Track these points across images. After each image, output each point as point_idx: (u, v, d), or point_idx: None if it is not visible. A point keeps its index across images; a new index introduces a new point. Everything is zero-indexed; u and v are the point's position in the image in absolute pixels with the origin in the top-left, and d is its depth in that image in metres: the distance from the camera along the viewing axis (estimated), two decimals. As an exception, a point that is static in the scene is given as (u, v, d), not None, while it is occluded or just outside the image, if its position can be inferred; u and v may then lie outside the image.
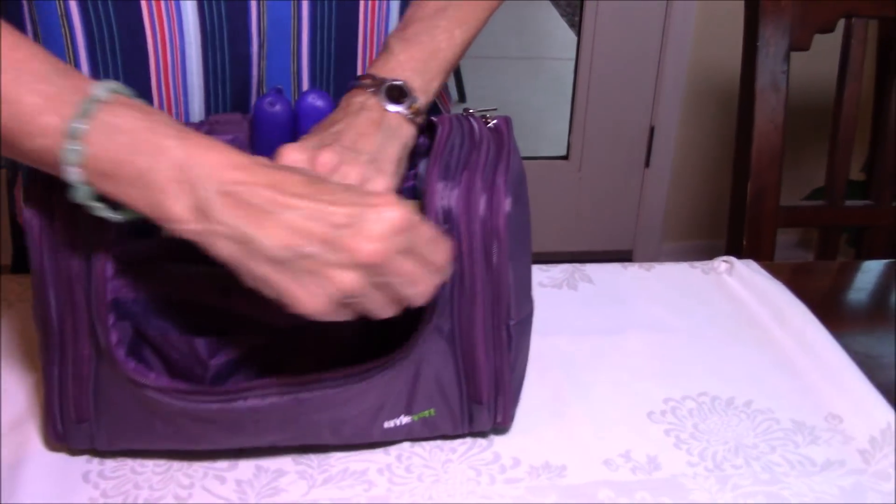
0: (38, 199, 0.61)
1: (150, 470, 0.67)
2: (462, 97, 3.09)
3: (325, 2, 0.76)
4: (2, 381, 0.75)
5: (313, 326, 0.65)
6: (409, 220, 0.55)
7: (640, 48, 2.26)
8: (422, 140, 0.70)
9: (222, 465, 0.68)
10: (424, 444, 0.70)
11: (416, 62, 0.71)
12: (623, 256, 2.47)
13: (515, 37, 3.72)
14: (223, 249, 0.54)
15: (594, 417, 0.74)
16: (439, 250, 0.57)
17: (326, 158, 0.61)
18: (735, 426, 0.74)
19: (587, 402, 0.76)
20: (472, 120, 0.69)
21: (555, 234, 2.46)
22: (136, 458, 0.68)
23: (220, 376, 0.65)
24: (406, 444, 0.70)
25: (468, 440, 0.71)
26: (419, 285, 0.57)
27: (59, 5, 0.71)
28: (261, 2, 0.74)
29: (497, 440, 0.71)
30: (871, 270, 1.02)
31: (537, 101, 3.18)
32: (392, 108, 0.67)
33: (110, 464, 0.68)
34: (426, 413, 0.67)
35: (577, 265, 0.93)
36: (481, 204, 0.62)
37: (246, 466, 0.68)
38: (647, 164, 2.40)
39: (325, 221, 0.53)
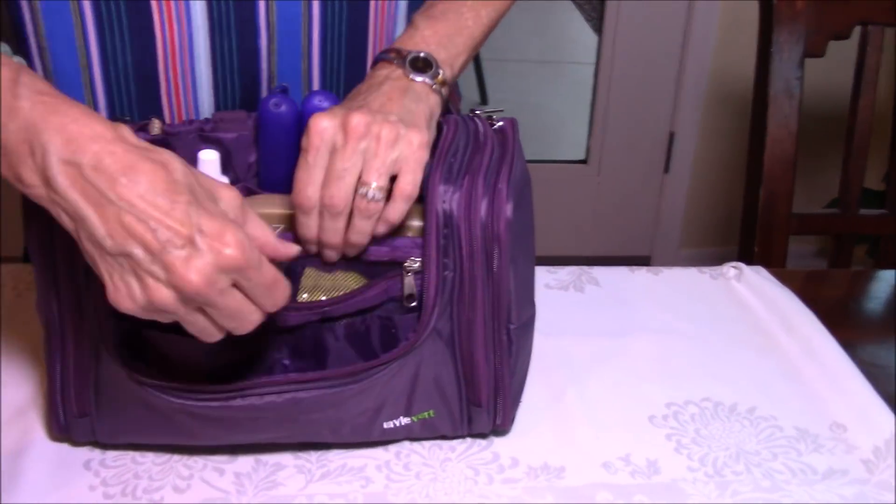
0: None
1: (150, 461, 0.68)
2: (484, 100, 3.09)
3: (336, 1, 0.76)
4: (9, 370, 0.76)
5: (312, 329, 0.66)
6: (244, 261, 0.53)
7: (661, 53, 2.26)
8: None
9: (222, 457, 0.68)
10: (424, 442, 0.71)
11: (441, 37, 0.72)
12: (641, 262, 2.45)
13: (538, 40, 3.72)
14: (64, 220, 0.54)
15: (595, 420, 0.74)
16: (275, 295, 0.56)
17: (357, 120, 0.61)
18: (737, 432, 0.74)
19: (588, 404, 0.75)
20: (477, 121, 0.69)
21: (572, 238, 2.46)
22: (137, 448, 0.69)
23: (218, 376, 0.65)
24: (405, 442, 0.70)
25: (468, 440, 0.71)
26: (239, 321, 0.56)
27: (73, 4, 0.72)
28: (269, 1, 0.74)
29: (496, 440, 0.71)
30: (884, 280, 1.02)
31: (558, 104, 3.17)
32: (417, 77, 0.68)
33: (112, 453, 0.68)
34: (425, 414, 0.67)
35: (585, 268, 0.93)
36: (482, 208, 0.62)
37: (245, 460, 0.68)
38: (666, 169, 2.39)
39: (158, 234, 0.52)
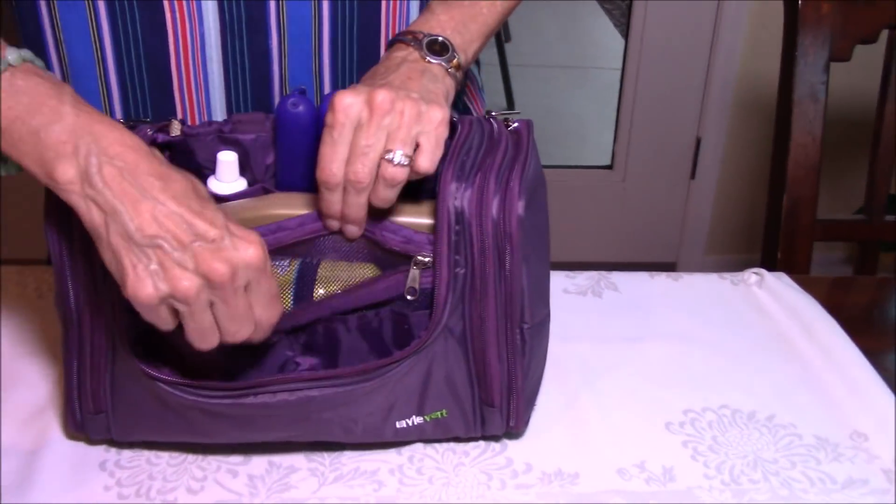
0: (56, 197, 0.62)
1: (165, 462, 0.68)
2: (510, 105, 3.09)
3: (346, 2, 0.77)
4: (29, 370, 0.77)
5: (324, 325, 0.66)
6: (263, 263, 0.58)
7: (688, 57, 2.24)
8: None
9: (236, 459, 0.69)
10: (437, 445, 0.70)
11: (457, 23, 0.73)
12: (666, 268, 2.43)
13: (565, 45, 3.71)
14: (93, 216, 0.56)
15: (610, 426, 0.73)
16: (271, 310, 0.60)
17: (381, 97, 0.62)
18: (755, 440, 0.73)
19: (604, 409, 0.75)
20: (493, 122, 0.69)
21: (597, 244, 2.44)
22: (152, 449, 0.69)
23: (231, 373, 0.65)
24: (419, 445, 0.70)
25: (481, 444, 0.71)
26: (239, 325, 0.59)
27: (88, 3, 0.73)
28: (280, 1, 0.75)
29: (511, 445, 0.71)
30: (909, 287, 1.00)
31: (584, 109, 3.16)
32: (433, 59, 0.69)
33: (127, 454, 0.69)
34: (438, 414, 0.67)
35: (604, 273, 0.93)
36: (494, 205, 0.62)
37: (259, 461, 0.68)
38: (692, 175, 2.37)
39: (190, 229, 0.56)
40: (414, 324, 0.65)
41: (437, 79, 0.68)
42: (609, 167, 2.40)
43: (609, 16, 4.03)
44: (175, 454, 0.69)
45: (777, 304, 0.89)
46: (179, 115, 0.78)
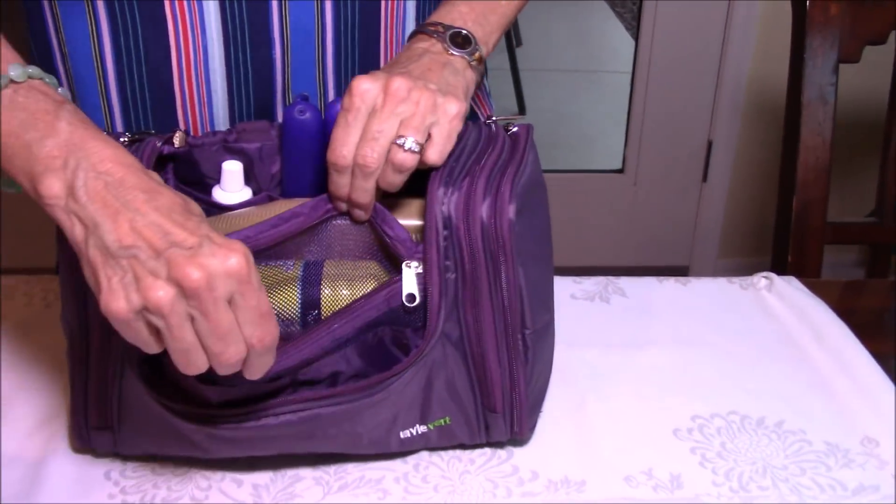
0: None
1: (170, 471, 0.68)
2: (521, 109, 3.08)
3: (349, 3, 0.77)
4: (35, 379, 0.77)
5: (323, 367, 0.65)
6: (247, 273, 0.53)
7: (698, 60, 2.23)
8: None
9: (241, 469, 0.68)
10: (443, 453, 0.70)
11: (477, 14, 0.73)
12: (678, 272, 2.43)
13: (576, 49, 3.70)
14: (75, 232, 0.55)
15: (618, 433, 0.73)
16: (264, 328, 0.55)
17: (398, 84, 0.63)
18: (764, 446, 0.72)
19: (612, 416, 0.74)
20: (492, 126, 0.69)
21: (609, 249, 2.43)
22: (157, 459, 0.69)
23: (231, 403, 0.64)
24: (425, 454, 0.70)
25: (487, 451, 0.70)
26: (225, 345, 0.54)
27: (88, 6, 0.73)
28: (283, 3, 0.75)
29: (517, 452, 0.70)
30: (922, 290, 0.99)
31: (595, 113, 3.15)
32: (456, 52, 0.70)
33: (132, 464, 0.69)
34: (441, 421, 0.67)
35: (611, 278, 0.92)
36: (484, 209, 0.62)
37: (263, 470, 0.68)
38: (704, 178, 2.36)
39: (167, 238, 0.53)
40: (411, 338, 0.65)
41: (458, 72, 0.69)
42: (620, 171, 2.39)
43: (620, 19, 4.02)
44: (180, 463, 0.69)
45: (787, 308, 0.88)
46: (182, 128, 0.78)
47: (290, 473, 0.68)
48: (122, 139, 0.65)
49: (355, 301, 0.64)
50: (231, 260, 0.53)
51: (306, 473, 0.68)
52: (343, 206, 0.65)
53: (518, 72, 2.99)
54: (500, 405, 0.67)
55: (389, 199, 0.67)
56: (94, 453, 0.69)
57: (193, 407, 0.62)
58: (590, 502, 0.67)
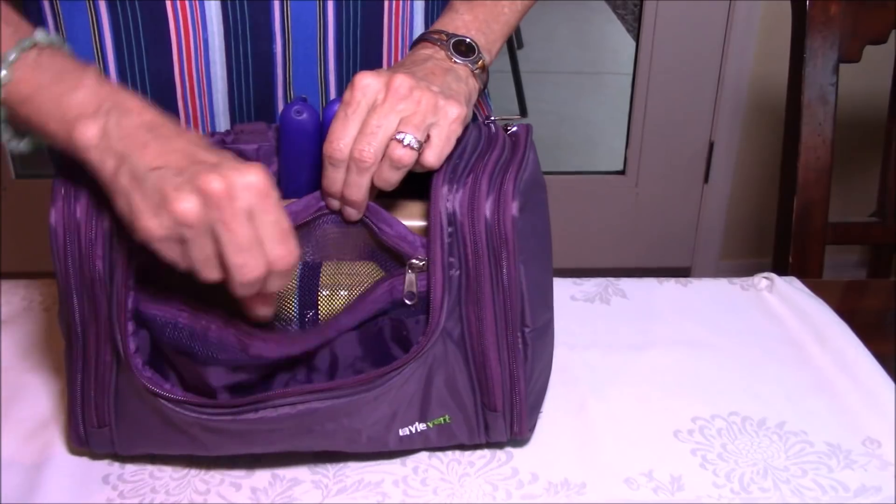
0: (62, 206, 0.62)
1: (168, 475, 0.68)
2: (523, 111, 3.08)
3: (350, 7, 0.76)
4: (33, 383, 0.77)
5: (322, 351, 0.65)
6: (266, 188, 0.55)
7: (699, 61, 2.23)
8: None
9: (239, 472, 0.68)
10: (442, 457, 0.70)
11: (481, 22, 0.73)
12: (680, 274, 2.42)
13: (577, 51, 3.70)
14: (107, 165, 0.57)
15: (618, 434, 0.72)
16: (284, 246, 0.56)
17: (400, 81, 0.63)
18: (766, 448, 0.72)
19: (611, 418, 0.74)
20: (492, 126, 0.69)
21: (610, 250, 2.43)
22: (155, 463, 0.69)
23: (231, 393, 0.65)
24: (424, 457, 0.70)
25: (487, 454, 0.70)
26: (247, 257, 0.55)
27: (90, 10, 0.73)
28: (284, 2, 0.75)
29: (517, 455, 0.70)
30: (924, 290, 0.99)
31: (597, 115, 3.15)
32: (459, 60, 0.70)
33: (130, 467, 0.69)
34: (441, 420, 0.67)
35: (612, 279, 0.92)
36: (487, 207, 0.62)
37: (262, 474, 0.68)
38: (706, 179, 2.36)
39: (192, 157, 0.56)
40: (412, 330, 0.65)
41: (461, 79, 0.68)
42: (622, 173, 2.39)
43: (622, 21, 4.02)
44: (178, 468, 0.68)
45: (788, 308, 0.88)
46: (182, 121, 0.78)
47: (289, 477, 0.68)
48: None
49: (358, 298, 0.64)
50: (251, 174, 0.55)
51: (305, 476, 0.68)
52: (335, 204, 0.65)
53: (519, 74, 2.99)
54: (499, 404, 0.66)
55: (387, 201, 0.66)
56: (92, 455, 0.69)
57: (192, 396, 0.62)
58: (590, 504, 0.66)
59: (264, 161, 0.69)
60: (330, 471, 0.68)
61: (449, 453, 0.70)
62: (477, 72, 0.70)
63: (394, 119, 0.62)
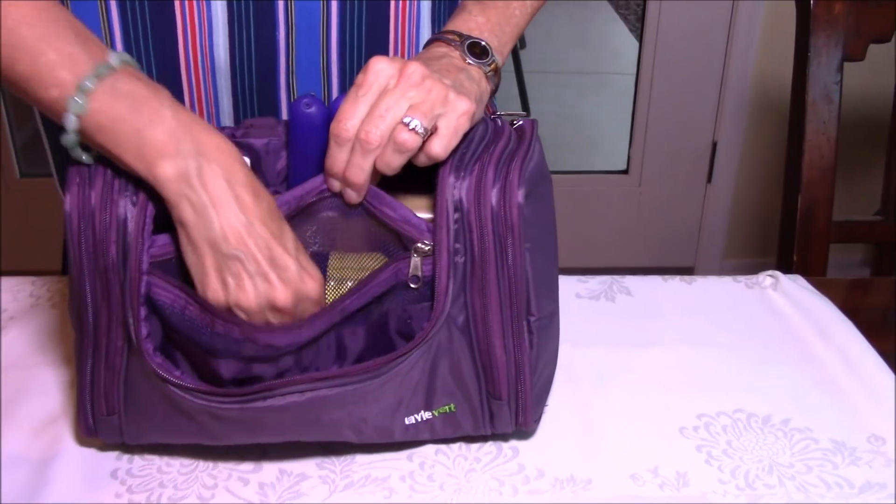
0: (77, 192, 0.63)
1: (176, 470, 0.68)
2: (525, 111, 3.09)
3: (355, 1, 0.77)
4: (42, 379, 0.77)
5: (334, 334, 0.66)
6: (319, 297, 0.64)
7: (702, 60, 2.23)
8: None
9: (247, 467, 0.69)
10: (449, 452, 0.70)
11: (493, 25, 0.74)
12: (684, 273, 2.42)
13: (580, 51, 3.70)
14: (186, 213, 0.61)
15: (623, 431, 0.73)
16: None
17: (413, 69, 0.63)
18: (771, 444, 0.72)
19: (617, 414, 0.74)
20: (498, 120, 0.69)
21: (614, 250, 2.43)
22: (163, 456, 0.69)
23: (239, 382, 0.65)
24: (430, 452, 0.70)
25: (493, 450, 0.70)
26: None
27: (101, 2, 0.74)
28: (288, 2, 0.75)
29: (522, 451, 0.70)
30: (928, 289, 0.99)
31: (600, 115, 3.15)
32: (473, 61, 0.70)
33: (138, 462, 0.69)
34: (446, 408, 0.67)
35: (616, 277, 0.92)
36: (493, 195, 0.63)
37: (270, 469, 0.68)
38: (709, 179, 2.36)
39: (269, 253, 0.61)
40: (416, 317, 0.65)
41: (474, 79, 0.69)
42: (625, 172, 2.39)
43: (624, 21, 4.02)
44: (186, 462, 0.69)
45: (792, 306, 0.88)
46: (187, 104, 0.79)
47: (297, 472, 0.68)
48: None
49: (363, 281, 0.65)
50: (309, 287, 0.63)
51: (312, 472, 0.68)
52: (336, 186, 0.65)
53: (522, 74, 3.00)
54: (504, 392, 0.67)
55: (394, 195, 0.67)
56: (100, 445, 0.69)
57: (202, 384, 0.63)
58: (596, 501, 0.67)
59: (272, 156, 0.70)
60: (337, 466, 0.69)
61: (455, 449, 0.70)
62: (489, 74, 0.71)
63: (403, 104, 0.62)
